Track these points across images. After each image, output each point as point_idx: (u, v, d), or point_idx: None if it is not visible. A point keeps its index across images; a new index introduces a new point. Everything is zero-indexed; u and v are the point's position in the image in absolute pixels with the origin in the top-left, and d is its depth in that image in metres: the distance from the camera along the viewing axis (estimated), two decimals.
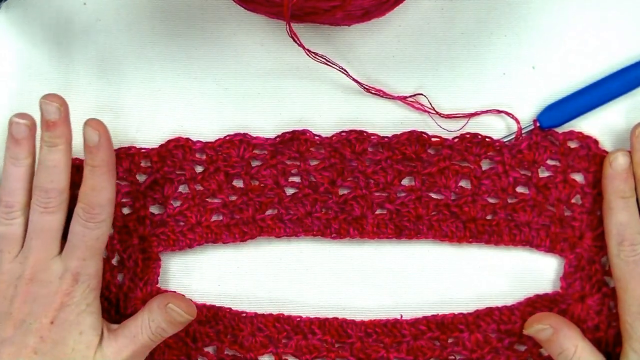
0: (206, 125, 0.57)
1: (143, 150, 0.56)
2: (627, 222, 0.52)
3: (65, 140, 0.53)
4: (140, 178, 0.56)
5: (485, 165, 0.55)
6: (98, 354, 0.52)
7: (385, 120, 0.56)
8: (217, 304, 0.56)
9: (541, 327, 0.53)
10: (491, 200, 0.55)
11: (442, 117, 0.56)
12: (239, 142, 0.56)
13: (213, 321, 0.56)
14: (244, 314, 0.56)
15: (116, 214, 0.56)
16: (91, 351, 0.52)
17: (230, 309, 0.56)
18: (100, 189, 0.53)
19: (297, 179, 0.56)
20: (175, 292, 0.56)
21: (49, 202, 0.52)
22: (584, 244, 0.54)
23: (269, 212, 0.56)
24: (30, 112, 0.55)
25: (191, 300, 0.56)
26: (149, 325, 0.53)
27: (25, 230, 0.53)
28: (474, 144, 0.55)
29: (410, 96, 0.56)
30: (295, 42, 0.51)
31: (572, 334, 0.52)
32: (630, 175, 0.53)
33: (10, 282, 0.52)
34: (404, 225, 0.55)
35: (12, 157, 0.53)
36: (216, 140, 0.56)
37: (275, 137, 0.56)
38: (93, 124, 0.53)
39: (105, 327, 0.53)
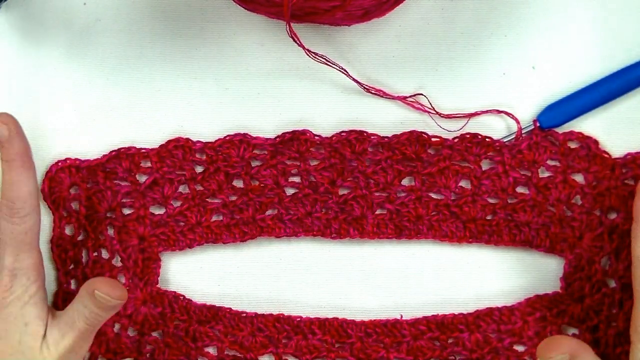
0: (206, 125, 0.57)
1: (143, 151, 0.56)
2: None
3: (17, 154, 0.52)
4: (140, 178, 0.56)
5: (485, 165, 0.55)
6: (43, 344, 0.52)
7: (385, 120, 0.56)
8: (217, 304, 0.56)
9: (560, 357, 0.49)
10: (491, 201, 0.55)
11: (442, 117, 0.56)
12: (239, 142, 0.56)
13: (213, 321, 0.56)
14: (244, 314, 0.56)
15: (116, 214, 0.56)
16: (37, 342, 0.52)
17: (230, 309, 0.56)
18: (17, 183, 0.52)
19: (297, 179, 0.56)
20: (104, 277, 0.56)
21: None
22: (583, 244, 0.54)
23: (269, 212, 0.56)
24: (30, 113, 0.55)
25: (189, 300, 0.56)
26: (83, 312, 0.52)
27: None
28: (474, 144, 0.55)
29: (410, 96, 0.56)
30: (295, 42, 0.51)
31: (589, 357, 0.50)
32: None
33: None
34: (404, 225, 0.55)
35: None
36: (216, 141, 0.56)
37: (275, 137, 0.56)
38: (2, 118, 0.52)
39: (50, 315, 0.53)
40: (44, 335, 0.52)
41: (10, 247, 0.52)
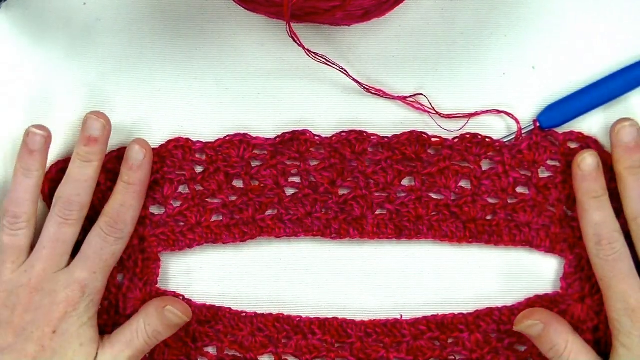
0: (206, 125, 0.57)
1: None
2: (603, 221, 0.52)
3: (100, 158, 0.54)
4: None
5: (485, 165, 0.55)
6: None
7: (385, 120, 0.56)
8: (217, 304, 0.56)
9: (531, 322, 0.52)
10: (491, 201, 0.55)
11: (442, 117, 0.56)
12: (239, 142, 0.56)
13: (213, 321, 0.56)
14: (244, 314, 0.56)
15: None
16: None
17: (230, 309, 0.56)
18: (129, 207, 0.53)
19: (297, 179, 0.56)
20: (170, 295, 0.56)
21: (70, 214, 0.53)
22: (583, 244, 0.54)
23: (269, 212, 0.56)
24: (30, 113, 0.55)
25: (189, 300, 0.56)
26: (144, 329, 0.53)
27: (30, 242, 0.53)
28: (474, 144, 0.55)
29: (410, 96, 0.56)
30: (295, 42, 0.51)
31: (563, 329, 0.52)
32: (600, 174, 0.53)
33: (12, 290, 0.52)
34: (404, 225, 0.55)
35: (24, 168, 0.53)
36: (216, 141, 0.56)
37: (275, 138, 0.56)
38: (141, 143, 0.54)
39: (101, 339, 0.53)
40: (95, 357, 0.53)
41: (91, 263, 0.53)
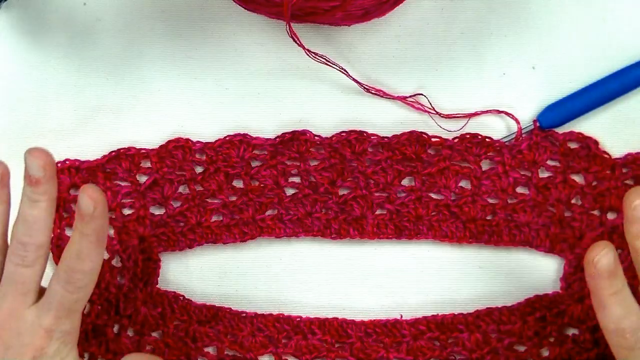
0: (206, 125, 0.57)
1: (143, 151, 0.56)
2: (625, 314, 0.48)
3: (48, 197, 0.49)
4: (140, 178, 0.56)
5: (485, 165, 0.55)
6: None
7: (385, 120, 0.56)
8: (217, 304, 0.56)
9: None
10: (491, 201, 0.55)
11: (442, 117, 0.56)
12: (239, 143, 0.56)
13: (213, 321, 0.56)
14: (244, 314, 0.56)
15: (116, 214, 0.56)
16: None
17: (230, 309, 0.56)
18: (84, 257, 0.49)
19: (297, 180, 0.56)
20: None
21: (25, 255, 0.49)
22: (583, 245, 0.54)
23: (269, 212, 0.56)
24: (30, 113, 0.55)
25: (189, 300, 0.56)
26: None
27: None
28: (474, 144, 0.55)
29: (410, 96, 0.56)
30: (295, 42, 0.51)
31: None
32: (618, 267, 0.47)
33: None
34: (404, 225, 0.55)
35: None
36: (216, 141, 0.56)
37: (275, 138, 0.56)
38: (90, 192, 0.48)
39: None
40: None
41: (54, 309, 0.49)
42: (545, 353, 0.55)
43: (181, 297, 0.56)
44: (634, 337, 0.47)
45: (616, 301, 0.48)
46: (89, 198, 0.48)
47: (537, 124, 0.55)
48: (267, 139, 0.56)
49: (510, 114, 0.56)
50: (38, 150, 0.48)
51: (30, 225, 0.49)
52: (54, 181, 0.49)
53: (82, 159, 0.56)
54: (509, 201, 0.55)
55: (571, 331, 0.55)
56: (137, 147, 0.56)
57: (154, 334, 0.56)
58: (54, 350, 0.50)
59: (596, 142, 0.55)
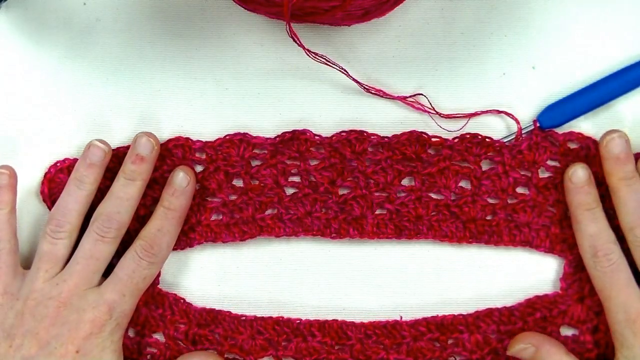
0: (206, 125, 0.57)
1: None
2: (598, 233, 0.52)
3: (145, 178, 0.53)
4: None
5: (485, 165, 0.55)
6: None
7: (385, 120, 0.56)
8: (217, 305, 0.56)
9: (522, 346, 0.53)
10: (491, 201, 0.55)
11: (442, 117, 0.56)
12: (239, 142, 0.56)
13: (213, 324, 0.56)
14: (244, 317, 0.56)
15: None
16: None
17: (229, 312, 0.56)
18: (166, 232, 0.53)
19: (297, 179, 0.56)
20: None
21: (108, 231, 0.52)
22: None
23: (268, 211, 0.56)
24: (32, 114, 0.55)
25: (189, 304, 0.56)
26: None
27: (68, 253, 0.53)
28: (474, 144, 0.55)
29: (410, 96, 0.56)
30: (295, 42, 0.51)
31: (555, 350, 0.52)
32: (592, 186, 0.53)
33: (41, 301, 0.52)
34: (403, 225, 0.55)
35: (78, 179, 0.53)
36: (216, 140, 0.56)
37: (275, 137, 0.56)
38: (186, 170, 0.54)
39: None
40: None
41: (121, 285, 0.52)
42: None
43: (181, 300, 0.56)
44: (606, 259, 0.52)
45: (590, 218, 0.52)
46: (185, 174, 0.53)
47: (537, 124, 0.55)
48: (267, 138, 0.56)
49: (510, 114, 0.56)
50: (150, 133, 0.54)
51: (122, 202, 0.53)
52: (152, 166, 0.54)
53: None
54: (509, 201, 0.55)
55: (571, 331, 0.55)
56: None
57: (155, 336, 0.56)
58: (110, 329, 0.52)
59: (596, 143, 0.55)
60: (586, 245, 0.52)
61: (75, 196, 0.53)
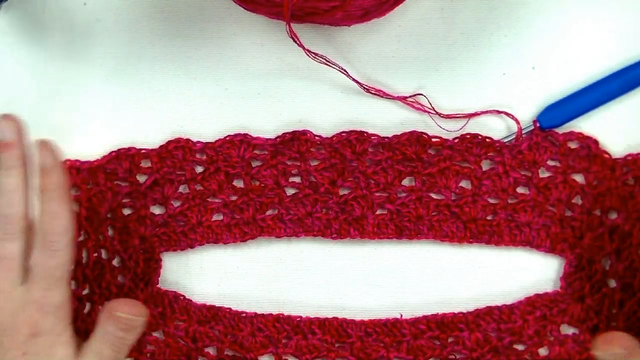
0: (206, 125, 0.57)
1: (143, 151, 0.56)
2: None
3: (22, 163, 0.51)
4: (141, 178, 0.56)
5: (485, 165, 0.55)
6: None
7: (385, 120, 0.56)
8: (217, 304, 0.56)
9: (615, 352, 0.50)
10: (491, 201, 0.55)
11: (442, 117, 0.56)
12: (239, 143, 0.56)
13: (213, 321, 0.56)
14: (244, 314, 0.56)
15: (116, 215, 0.56)
16: None
17: (230, 309, 0.56)
18: (54, 215, 0.50)
19: (297, 179, 0.56)
20: (120, 298, 0.54)
21: (7, 228, 0.50)
22: (584, 244, 0.54)
23: (269, 212, 0.56)
24: (30, 113, 0.55)
25: (189, 300, 0.56)
26: (107, 338, 0.51)
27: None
28: (474, 144, 0.55)
29: (410, 96, 0.56)
30: (295, 42, 0.51)
31: None
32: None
33: None
34: (404, 225, 0.55)
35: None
36: (216, 141, 0.56)
37: (276, 138, 0.56)
38: (45, 146, 0.50)
39: (77, 352, 0.51)
40: None
41: (41, 281, 0.50)
42: (545, 352, 0.55)
43: (181, 297, 0.56)
44: None
45: None
46: (46, 150, 0.50)
47: (537, 124, 0.55)
48: (268, 139, 0.56)
49: (510, 114, 0.56)
50: (8, 115, 0.51)
51: (9, 195, 0.50)
52: (24, 150, 0.51)
53: (82, 159, 0.56)
54: (510, 201, 0.55)
55: (571, 331, 0.55)
56: (137, 147, 0.56)
57: (155, 334, 0.56)
58: (49, 325, 0.50)
59: (596, 142, 0.55)
60: None
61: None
